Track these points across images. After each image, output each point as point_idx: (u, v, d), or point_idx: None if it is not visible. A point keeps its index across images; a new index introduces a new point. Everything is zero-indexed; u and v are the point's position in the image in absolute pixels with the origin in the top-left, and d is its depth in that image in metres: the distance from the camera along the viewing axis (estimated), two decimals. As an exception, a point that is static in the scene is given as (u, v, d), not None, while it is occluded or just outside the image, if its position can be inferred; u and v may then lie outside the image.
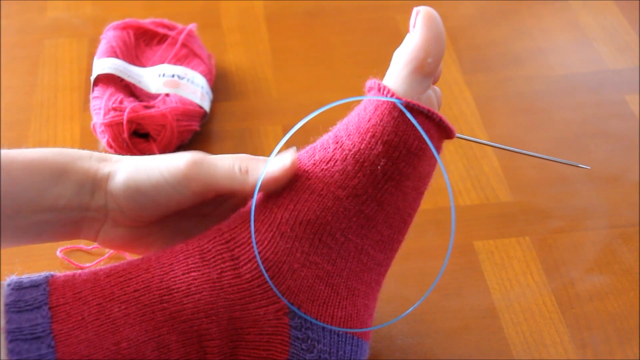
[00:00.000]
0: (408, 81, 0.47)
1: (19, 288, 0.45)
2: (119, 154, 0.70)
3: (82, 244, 0.64)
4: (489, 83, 0.81)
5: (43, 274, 0.46)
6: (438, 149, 0.48)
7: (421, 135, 0.47)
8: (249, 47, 0.85)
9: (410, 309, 0.50)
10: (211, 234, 0.49)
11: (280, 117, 0.77)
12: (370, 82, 0.49)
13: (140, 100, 0.73)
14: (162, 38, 0.79)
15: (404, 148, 0.47)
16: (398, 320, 0.59)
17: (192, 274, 0.46)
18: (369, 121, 0.47)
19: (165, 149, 0.71)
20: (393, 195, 0.48)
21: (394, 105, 0.47)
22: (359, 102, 0.50)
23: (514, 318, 0.60)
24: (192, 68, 0.76)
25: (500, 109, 0.79)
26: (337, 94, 0.48)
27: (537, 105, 0.79)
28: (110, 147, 0.71)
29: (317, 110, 0.47)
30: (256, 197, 0.49)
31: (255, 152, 0.73)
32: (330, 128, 0.50)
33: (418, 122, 0.46)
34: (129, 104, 0.70)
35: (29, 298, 0.44)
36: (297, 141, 0.50)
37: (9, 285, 0.45)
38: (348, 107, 0.50)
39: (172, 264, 0.47)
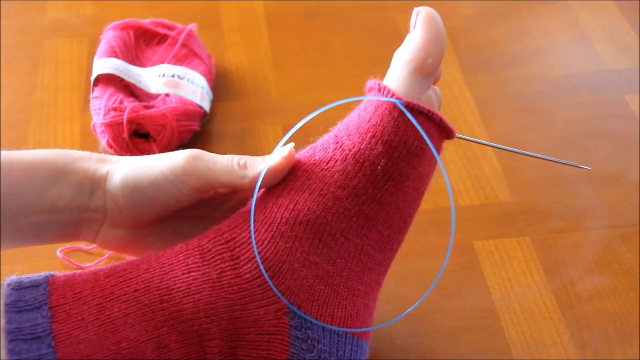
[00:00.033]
0: (408, 81, 0.47)
1: (19, 288, 0.45)
2: (119, 154, 0.71)
3: (82, 244, 0.64)
4: (489, 83, 0.81)
5: (43, 274, 0.46)
6: (438, 149, 0.48)
7: (421, 136, 0.47)
8: (249, 47, 0.85)
9: (410, 309, 0.50)
10: (211, 233, 0.49)
11: (280, 117, 0.77)
12: (371, 82, 0.49)
13: (140, 100, 0.73)
14: (162, 38, 0.79)
15: (404, 148, 0.47)
16: (398, 320, 0.59)
17: (192, 273, 0.46)
18: (369, 121, 0.47)
19: (165, 149, 0.71)
20: (393, 195, 0.48)
21: (394, 106, 0.47)
22: (359, 102, 0.50)
23: (514, 318, 0.60)
24: (192, 68, 0.76)
25: (500, 109, 0.79)
26: (337, 94, 0.48)
27: (537, 105, 0.79)
28: (110, 147, 0.71)
29: (317, 110, 0.47)
30: (256, 196, 0.49)
31: (255, 152, 0.73)
32: (330, 128, 0.50)
33: (418, 122, 0.46)
34: (129, 104, 0.70)
35: (29, 298, 0.44)
36: (297, 141, 0.50)
37: (9, 285, 0.45)
38: (348, 107, 0.50)
39: (172, 263, 0.47)
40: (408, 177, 0.48)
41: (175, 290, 0.46)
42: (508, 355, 0.58)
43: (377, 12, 0.90)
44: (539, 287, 0.62)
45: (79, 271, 0.47)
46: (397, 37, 0.51)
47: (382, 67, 0.50)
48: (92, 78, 0.74)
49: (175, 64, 0.76)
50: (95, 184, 0.50)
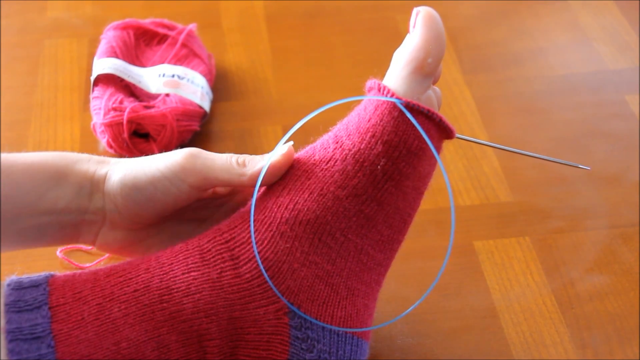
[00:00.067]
0: (408, 81, 0.47)
1: (19, 288, 0.45)
2: (119, 153, 0.71)
3: (82, 244, 0.64)
4: (489, 83, 0.81)
5: (43, 274, 0.46)
6: (438, 149, 0.48)
7: (421, 135, 0.47)
8: (249, 47, 0.85)
9: (410, 309, 0.50)
10: (211, 233, 0.49)
11: (280, 117, 0.77)
12: (371, 82, 0.49)
13: (140, 100, 0.73)
14: (162, 38, 0.79)
15: (404, 148, 0.47)
16: (398, 320, 0.59)
17: (192, 273, 0.46)
18: (369, 121, 0.47)
19: (165, 149, 0.71)
20: (393, 195, 0.48)
21: (394, 105, 0.47)
22: (359, 102, 0.50)
23: (514, 318, 0.60)
24: (192, 68, 0.76)
25: (500, 109, 0.79)
26: (337, 94, 0.48)
27: (537, 105, 0.79)
28: (110, 147, 0.71)
29: (317, 110, 0.47)
30: (256, 196, 0.49)
31: (255, 152, 0.73)
32: (330, 128, 0.50)
33: (418, 122, 0.46)
34: (129, 104, 0.70)
35: (29, 298, 0.44)
36: (297, 141, 0.50)
37: (8, 285, 0.45)
38: (348, 107, 0.50)
39: (172, 263, 0.47)
40: (408, 177, 0.48)
41: (175, 290, 0.46)
42: (508, 355, 0.58)
43: (377, 12, 0.90)
44: (539, 287, 0.62)
45: (79, 271, 0.47)
46: (397, 37, 0.51)
47: (382, 67, 0.50)
48: (92, 78, 0.74)
49: (175, 64, 0.76)
50: (94, 185, 0.50)
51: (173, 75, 0.74)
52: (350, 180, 0.47)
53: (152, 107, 0.71)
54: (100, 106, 0.71)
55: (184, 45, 0.78)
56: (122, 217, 0.50)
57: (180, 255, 0.48)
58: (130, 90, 0.74)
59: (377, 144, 0.47)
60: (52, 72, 0.82)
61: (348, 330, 0.49)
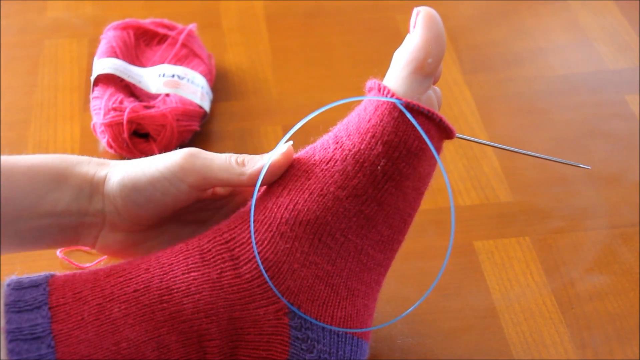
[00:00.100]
0: (408, 81, 0.47)
1: (19, 288, 0.45)
2: (119, 153, 0.71)
3: (82, 246, 0.64)
4: (489, 83, 0.81)
5: (43, 274, 0.46)
6: (438, 149, 0.48)
7: (421, 136, 0.47)
8: (249, 47, 0.85)
9: (410, 309, 0.50)
10: (211, 234, 0.49)
11: (280, 117, 0.77)
12: (371, 83, 0.49)
13: (140, 100, 0.73)
14: (162, 38, 0.79)
15: (404, 148, 0.47)
16: (398, 320, 0.59)
17: (192, 274, 0.46)
18: (369, 121, 0.47)
19: (165, 149, 0.71)
20: (393, 195, 0.48)
21: (394, 106, 0.47)
22: (359, 102, 0.50)
23: (514, 318, 0.60)
24: (192, 68, 0.76)
25: (500, 109, 0.79)
26: (337, 94, 0.48)
27: (537, 105, 0.79)
28: (110, 147, 0.71)
29: (317, 110, 0.47)
30: (256, 196, 0.49)
31: (255, 152, 0.72)
32: (330, 128, 0.50)
33: (418, 122, 0.46)
34: (129, 104, 0.70)
35: (29, 298, 0.44)
36: (297, 141, 0.50)
37: (8, 285, 0.45)
38: (348, 107, 0.50)
39: (172, 264, 0.47)
40: (408, 177, 0.48)
41: (175, 291, 0.46)
42: (508, 355, 0.58)
43: (377, 12, 0.90)
44: (539, 287, 0.62)
45: (79, 271, 0.47)
46: (397, 37, 0.51)
47: (382, 67, 0.50)
48: (92, 78, 0.74)
49: (175, 64, 0.76)
50: (94, 187, 0.50)
51: (173, 75, 0.74)
52: (351, 180, 0.47)
53: (152, 107, 0.71)
54: (100, 106, 0.71)
55: (184, 45, 0.78)
56: (122, 219, 0.50)
57: (180, 255, 0.48)
58: (130, 90, 0.74)
59: (377, 145, 0.47)
60: (52, 72, 0.82)
61: (348, 330, 0.49)
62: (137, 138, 0.71)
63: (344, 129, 0.49)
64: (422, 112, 0.46)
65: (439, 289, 0.61)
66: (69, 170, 0.49)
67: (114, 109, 0.70)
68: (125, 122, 0.69)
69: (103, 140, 0.71)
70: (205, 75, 0.77)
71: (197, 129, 0.73)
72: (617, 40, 0.86)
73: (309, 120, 0.47)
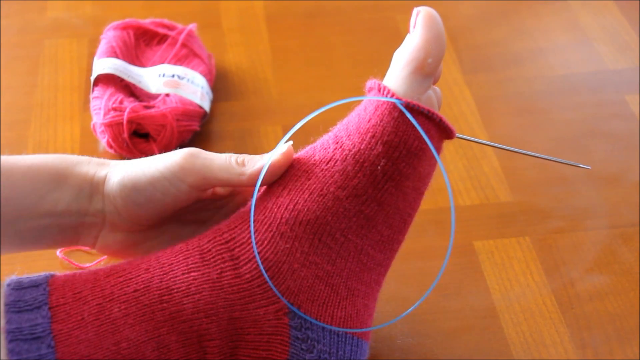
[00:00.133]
0: (408, 81, 0.47)
1: (19, 288, 0.45)
2: (119, 153, 0.71)
3: (82, 246, 0.64)
4: (489, 83, 0.81)
5: (43, 274, 0.46)
6: (438, 149, 0.48)
7: (421, 136, 0.47)
8: (249, 47, 0.85)
9: (410, 309, 0.50)
10: (211, 234, 0.49)
11: (280, 117, 0.77)
12: (371, 83, 0.49)
13: (140, 100, 0.73)
14: (162, 38, 0.79)
15: (404, 148, 0.47)
16: (398, 320, 0.59)
17: (192, 274, 0.46)
18: (369, 121, 0.47)
19: (165, 149, 0.71)
20: (393, 195, 0.48)
21: (394, 106, 0.47)
22: (359, 102, 0.50)
23: (514, 318, 0.60)
24: (192, 68, 0.76)
25: (500, 109, 0.79)
26: (337, 94, 0.48)
27: (537, 105, 0.79)
28: (110, 147, 0.71)
29: (317, 110, 0.47)
30: (256, 196, 0.49)
31: (255, 152, 0.72)
32: (330, 128, 0.50)
33: (418, 122, 0.46)
34: (129, 104, 0.70)
35: (29, 298, 0.44)
36: (297, 141, 0.50)
37: (8, 285, 0.45)
38: (348, 107, 0.50)
39: (172, 264, 0.47)
40: (408, 177, 0.48)
41: (175, 291, 0.46)
42: (508, 355, 0.58)
43: (377, 12, 0.90)
44: (539, 287, 0.62)
45: (79, 271, 0.47)
46: (397, 37, 0.51)
47: (382, 67, 0.50)
48: (92, 78, 0.74)
49: (175, 64, 0.76)
50: (94, 187, 0.50)
51: (173, 75, 0.74)
52: (351, 180, 0.47)
53: (152, 107, 0.71)
54: (100, 106, 0.71)
55: (184, 45, 0.78)
56: (122, 219, 0.50)
57: (180, 255, 0.48)
58: (130, 90, 0.74)
59: (377, 145, 0.47)
60: (52, 72, 0.82)
61: (348, 330, 0.49)
62: (137, 138, 0.71)
63: (344, 129, 0.49)
64: (422, 112, 0.46)
65: (439, 289, 0.61)
66: (69, 170, 0.49)
67: (114, 109, 0.70)
68: (125, 122, 0.69)
69: (103, 140, 0.71)
70: (205, 75, 0.77)
71: (197, 129, 0.73)
72: (617, 40, 0.86)
73: (309, 120, 0.47)
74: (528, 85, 0.81)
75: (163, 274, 0.46)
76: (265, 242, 0.47)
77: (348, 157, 0.47)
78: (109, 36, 0.77)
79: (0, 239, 0.48)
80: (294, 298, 0.47)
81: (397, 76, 0.47)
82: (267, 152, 0.50)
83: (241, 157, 0.50)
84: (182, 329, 0.45)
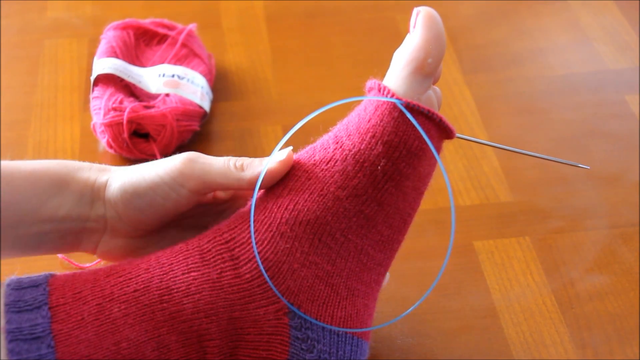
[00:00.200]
0: (408, 81, 0.47)
1: (18, 288, 0.45)
2: (119, 153, 0.71)
3: (83, 252, 0.64)
4: (489, 83, 0.81)
5: (43, 274, 0.46)
6: (438, 149, 0.48)
7: (421, 136, 0.47)
8: (249, 47, 0.85)
9: (410, 309, 0.50)
10: (211, 233, 0.49)
11: (280, 117, 0.77)
12: (371, 83, 0.49)
13: (140, 100, 0.73)
14: (162, 38, 0.79)
15: (404, 148, 0.47)
16: (398, 320, 0.59)
17: (192, 274, 0.46)
18: (369, 121, 0.47)
19: (165, 149, 0.71)
20: (393, 195, 0.48)
21: (394, 106, 0.47)
22: (359, 102, 0.50)
23: (514, 318, 0.60)
24: (192, 68, 0.76)
25: (500, 109, 0.79)
26: (337, 94, 0.48)
27: (537, 105, 0.79)
28: (110, 147, 0.71)
29: (317, 110, 0.47)
30: (256, 196, 0.49)
31: (255, 152, 0.73)
32: (330, 128, 0.50)
33: (418, 122, 0.46)
34: (129, 104, 0.70)
35: (29, 298, 0.44)
36: (297, 141, 0.50)
37: (8, 285, 0.45)
38: (348, 107, 0.50)
39: (171, 264, 0.47)
40: (408, 177, 0.48)
41: (175, 291, 0.46)
42: (508, 355, 0.58)
43: (377, 12, 0.90)
44: (539, 287, 0.62)
45: (79, 271, 0.47)
46: (397, 37, 0.51)
47: (382, 67, 0.50)
48: (92, 78, 0.74)
49: (175, 64, 0.76)
50: (95, 193, 0.50)
51: (173, 75, 0.74)
52: (351, 180, 0.47)
53: (152, 107, 0.71)
54: (100, 106, 0.71)
55: (184, 45, 0.78)
56: (123, 224, 0.50)
57: (180, 255, 0.48)
58: (130, 90, 0.74)
59: (377, 145, 0.47)
60: (52, 72, 0.82)
61: (348, 330, 0.49)
62: (137, 138, 0.71)
63: (344, 129, 0.49)
64: (422, 112, 0.46)
65: (439, 289, 0.61)
66: (70, 175, 0.49)
67: (114, 109, 0.70)
68: (125, 122, 0.69)
69: (103, 140, 0.71)
70: (205, 75, 0.77)
71: (197, 129, 0.73)
72: (617, 40, 0.86)
73: (309, 120, 0.47)
74: (528, 85, 0.81)
75: (163, 274, 0.46)
76: (265, 242, 0.47)
77: (348, 157, 0.47)
78: (109, 36, 0.77)
79: (0, 244, 0.48)
80: (294, 298, 0.47)
81: (397, 76, 0.47)
82: (267, 152, 0.50)
83: (240, 160, 0.50)
84: (182, 329, 0.45)
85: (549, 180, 0.71)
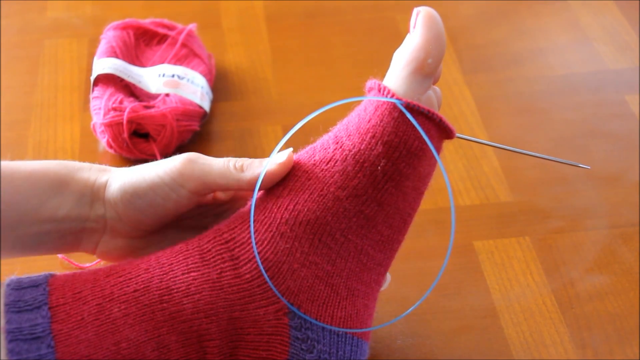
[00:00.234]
0: (408, 82, 0.47)
1: (18, 288, 0.45)
2: (119, 153, 0.71)
3: (83, 252, 0.64)
4: (489, 83, 0.81)
5: (43, 274, 0.46)
6: (438, 149, 0.48)
7: (421, 136, 0.47)
8: (249, 47, 0.85)
9: (410, 309, 0.50)
10: (211, 234, 0.49)
11: (280, 117, 0.77)
12: (371, 83, 0.49)
13: (140, 100, 0.73)
14: (162, 38, 0.79)
15: (404, 148, 0.47)
16: (398, 321, 0.59)
17: (192, 274, 0.46)
18: (369, 122, 0.47)
19: (165, 149, 0.71)
20: (393, 195, 0.48)
21: (394, 106, 0.47)
22: (359, 102, 0.50)
23: (514, 318, 0.60)
24: (192, 68, 0.76)
25: (500, 109, 0.79)
26: (337, 94, 0.48)
27: (537, 105, 0.79)
28: (110, 147, 0.71)
29: (317, 111, 0.47)
30: (256, 197, 0.49)
31: (255, 151, 0.73)
32: (330, 128, 0.50)
33: (418, 122, 0.46)
34: (129, 104, 0.70)
35: (29, 298, 0.44)
36: (297, 141, 0.50)
37: (8, 285, 0.45)
38: (348, 107, 0.50)
39: (171, 264, 0.47)
40: (408, 177, 0.48)
41: (175, 291, 0.46)
42: (508, 355, 0.58)
43: (377, 12, 0.90)
44: (539, 287, 0.62)
45: (79, 271, 0.47)
46: (397, 37, 0.51)
47: (382, 67, 0.50)
48: (92, 78, 0.74)
49: (175, 64, 0.76)
50: (95, 193, 0.50)
51: (173, 75, 0.74)
52: (351, 180, 0.47)
53: (152, 107, 0.71)
54: (100, 106, 0.71)
55: (184, 45, 0.78)
56: (123, 225, 0.50)
57: (180, 255, 0.48)
58: (130, 90, 0.74)
59: (377, 145, 0.47)
60: (52, 72, 0.82)
61: (348, 330, 0.49)
62: (137, 138, 0.71)
63: (344, 129, 0.49)
64: (422, 112, 0.46)
65: (439, 289, 0.61)
66: (70, 176, 0.49)
67: (114, 109, 0.70)
68: (125, 122, 0.69)
69: (103, 140, 0.71)
70: (205, 75, 0.77)
71: (197, 129, 0.73)
72: (617, 40, 0.86)
73: (309, 120, 0.47)
74: (528, 85, 0.81)
75: (163, 274, 0.46)
76: (265, 242, 0.47)
77: (348, 157, 0.47)
78: (109, 36, 0.77)
79: (0, 244, 0.48)
80: (294, 298, 0.47)
81: (397, 76, 0.47)
82: (267, 152, 0.50)
83: (240, 161, 0.50)
84: (182, 329, 0.45)
85: (549, 180, 0.71)
